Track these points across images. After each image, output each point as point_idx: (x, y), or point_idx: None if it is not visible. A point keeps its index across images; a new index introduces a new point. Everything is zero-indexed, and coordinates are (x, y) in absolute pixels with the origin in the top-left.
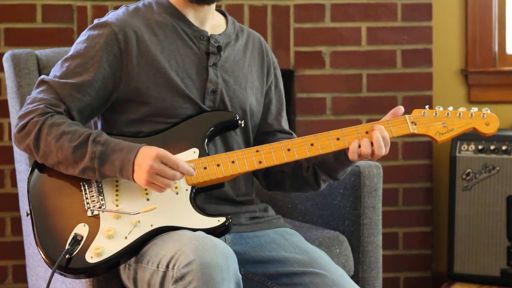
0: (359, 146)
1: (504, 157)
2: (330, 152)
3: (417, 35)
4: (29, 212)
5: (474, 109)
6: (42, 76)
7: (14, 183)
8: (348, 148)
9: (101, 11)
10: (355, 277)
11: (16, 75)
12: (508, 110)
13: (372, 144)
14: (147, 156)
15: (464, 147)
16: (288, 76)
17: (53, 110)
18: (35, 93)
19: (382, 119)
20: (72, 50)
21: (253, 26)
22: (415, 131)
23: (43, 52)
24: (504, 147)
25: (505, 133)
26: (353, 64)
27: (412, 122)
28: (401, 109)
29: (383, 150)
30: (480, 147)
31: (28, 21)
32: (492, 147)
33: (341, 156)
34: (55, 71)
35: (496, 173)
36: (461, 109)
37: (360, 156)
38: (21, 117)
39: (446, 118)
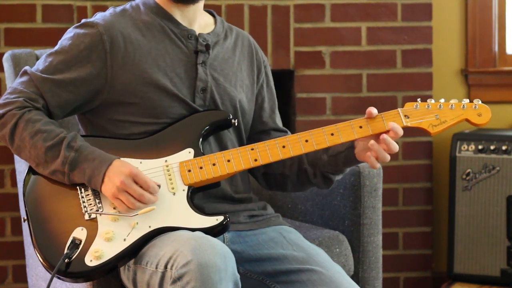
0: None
1: (504, 157)
2: (338, 159)
3: (417, 35)
4: (25, 218)
5: (466, 100)
6: (26, 67)
7: (14, 183)
8: (358, 151)
9: (101, 11)
10: (355, 277)
11: (16, 75)
12: (508, 110)
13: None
14: (120, 171)
15: (464, 147)
16: (288, 76)
17: (31, 105)
18: (16, 83)
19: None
20: (57, 45)
21: (253, 26)
22: (408, 124)
23: (43, 52)
24: (504, 147)
25: (505, 133)
26: (353, 64)
27: (405, 115)
28: (374, 109)
29: (397, 149)
30: (480, 147)
31: (28, 21)
32: (492, 147)
33: (352, 161)
34: (39, 64)
35: (496, 173)
36: (453, 101)
37: (378, 159)
38: None
39: (438, 110)
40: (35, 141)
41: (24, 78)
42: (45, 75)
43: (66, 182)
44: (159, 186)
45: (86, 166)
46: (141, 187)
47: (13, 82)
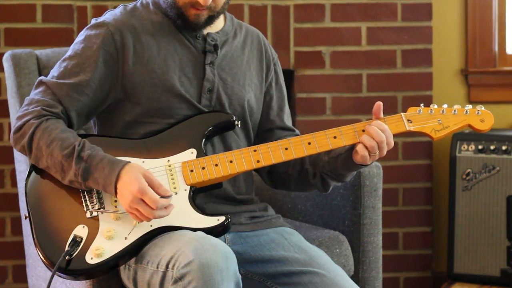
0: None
1: (504, 157)
2: (338, 161)
3: (417, 35)
4: (27, 215)
5: (469, 106)
6: (41, 77)
7: (14, 183)
8: (353, 152)
9: (101, 11)
10: (355, 277)
11: (16, 75)
12: (508, 110)
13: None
14: (128, 188)
15: (464, 147)
16: (288, 76)
17: (49, 112)
18: (33, 94)
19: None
20: (70, 50)
21: (253, 26)
22: (411, 129)
23: (43, 52)
24: (504, 147)
25: (505, 133)
26: (353, 64)
27: (408, 120)
28: (379, 104)
29: (383, 137)
30: (480, 147)
31: (28, 21)
32: (492, 147)
33: (349, 164)
34: (53, 71)
35: (496, 173)
36: (456, 107)
37: (368, 150)
38: (18, 118)
39: (441, 115)
40: (51, 149)
41: (40, 88)
42: (61, 80)
43: (85, 189)
44: (170, 196)
45: (97, 176)
46: (149, 206)
47: (13, 82)
